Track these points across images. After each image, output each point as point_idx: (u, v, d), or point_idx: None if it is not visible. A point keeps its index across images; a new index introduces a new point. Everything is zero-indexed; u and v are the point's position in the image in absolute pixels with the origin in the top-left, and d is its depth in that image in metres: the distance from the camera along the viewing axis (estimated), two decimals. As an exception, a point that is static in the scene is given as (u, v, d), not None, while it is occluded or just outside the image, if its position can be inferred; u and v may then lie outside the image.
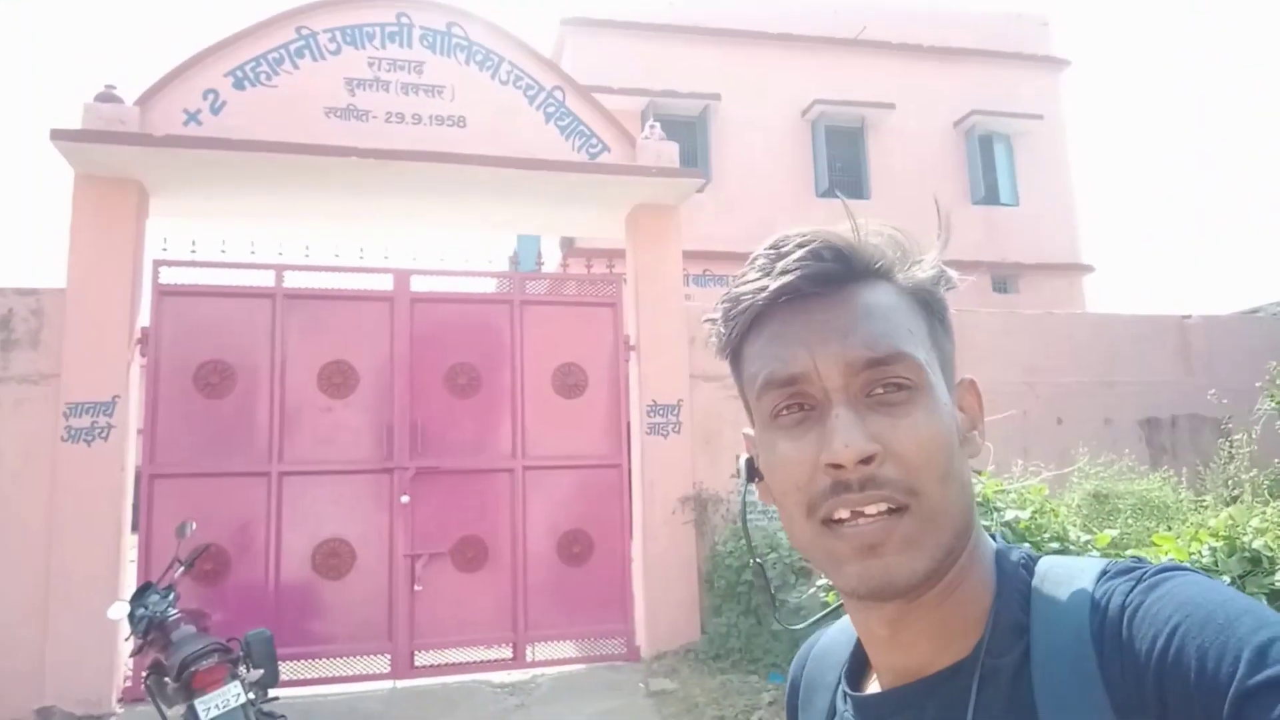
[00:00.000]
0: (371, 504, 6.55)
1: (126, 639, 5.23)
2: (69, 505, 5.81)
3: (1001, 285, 13.58)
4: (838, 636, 0.89)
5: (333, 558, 6.41)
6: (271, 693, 4.91)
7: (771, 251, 0.75)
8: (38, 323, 6.02)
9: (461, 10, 7.13)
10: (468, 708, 5.82)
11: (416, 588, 6.47)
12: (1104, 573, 0.70)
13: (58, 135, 5.97)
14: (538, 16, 41.58)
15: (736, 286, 0.76)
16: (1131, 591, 0.66)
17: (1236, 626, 0.58)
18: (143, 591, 5.03)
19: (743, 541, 6.30)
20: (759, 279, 0.74)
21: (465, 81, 7.00)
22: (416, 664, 6.46)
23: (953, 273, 0.79)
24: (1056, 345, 8.34)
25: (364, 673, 6.35)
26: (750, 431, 0.81)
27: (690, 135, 12.55)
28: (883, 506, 0.68)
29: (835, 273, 0.73)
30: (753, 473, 0.81)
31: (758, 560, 0.91)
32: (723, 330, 0.79)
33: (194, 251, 6.65)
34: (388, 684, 6.28)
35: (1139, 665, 0.62)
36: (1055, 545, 3.85)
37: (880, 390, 0.71)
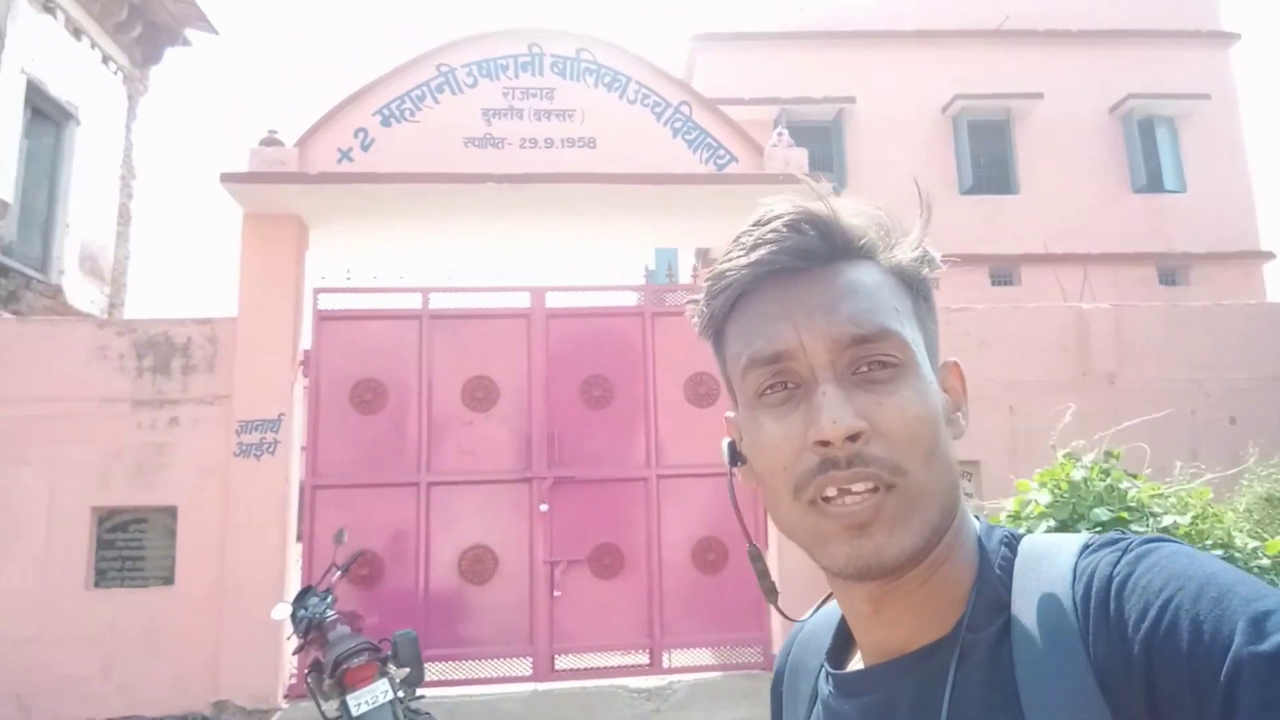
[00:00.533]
0: (512, 512, 6.80)
1: (289, 638, 5.64)
2: (240, 515, 6.33)
3: (1169, 277, 12.69)
4: (822, 622, 0.88)
5: (477, 564, 6.70)
6: (419, 691, 5.19)
7: (754, 228, 0.74)
8: (212, 349, 6.60)
9: (590, 36, 7.34)
10: (605, 712, 5.95)
11: (556, 593, 6.66)
12: (1086, 546, 0.69)
13: (227, 178, 6.55)
14: (668, 34, 42.13)
15: (721, 263, 0.75)
16: (1118, 562, 0.64)
17: (1231, 598, 0.57)
18: (304, 594, 5.42)
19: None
20: (742, 256, 0.73)
21: (594, 104, 7.18)
22: (557, 667, 6.62)
23: (936, 253, 0.78)
24: (1228, 339, 7.72)
25: (506, 675, 6.57)
26: (732, 414, 0.80)
27: (825, 141, 12.43)
28: (869, 485, 0.68)
29: (817, 247, 0.72)
30: (735, 456, 0.80)
31: (754, 544, 0.90)
32: (705, 309, 0.77)
33: (349, 278, 7.14)
34: (529, 686, 6.46)
35: (1126, 636, 0.60)
36: (1219, 553, 3.55)
37: (866, 368, 0.70)
